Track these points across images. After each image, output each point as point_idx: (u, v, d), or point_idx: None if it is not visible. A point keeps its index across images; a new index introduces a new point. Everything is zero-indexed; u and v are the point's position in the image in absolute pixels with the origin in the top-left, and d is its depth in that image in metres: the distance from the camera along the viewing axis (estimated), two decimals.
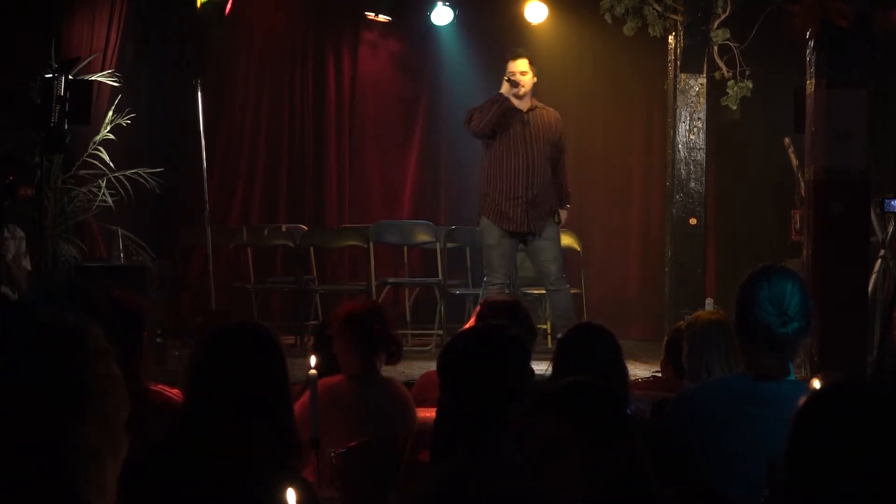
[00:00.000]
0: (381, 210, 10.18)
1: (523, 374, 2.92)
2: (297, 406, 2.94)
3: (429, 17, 9.61)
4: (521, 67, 7.58)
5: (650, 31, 8.84)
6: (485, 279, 7.66)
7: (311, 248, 9.58)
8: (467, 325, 4.33)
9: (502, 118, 7.54)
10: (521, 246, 7.72)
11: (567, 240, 9.56)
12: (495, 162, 7.61)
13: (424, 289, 9.55)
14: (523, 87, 7.55)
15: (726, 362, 3.97)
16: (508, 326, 2.99)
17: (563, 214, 7.79)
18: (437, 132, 10.31)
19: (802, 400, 1.92)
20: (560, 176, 7.78)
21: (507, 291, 7.53)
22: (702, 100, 9.02)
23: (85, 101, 7.45)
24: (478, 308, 4.35)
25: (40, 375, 1.55)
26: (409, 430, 4.21)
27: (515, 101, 7.57)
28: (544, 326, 9.35)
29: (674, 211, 9.13)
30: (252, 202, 10.18)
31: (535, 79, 7.65)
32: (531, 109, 7.64)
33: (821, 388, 1.91)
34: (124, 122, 8.51)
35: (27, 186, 7.02)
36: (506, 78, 7.58)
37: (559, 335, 3.87)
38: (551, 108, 7.83)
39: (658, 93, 9.77)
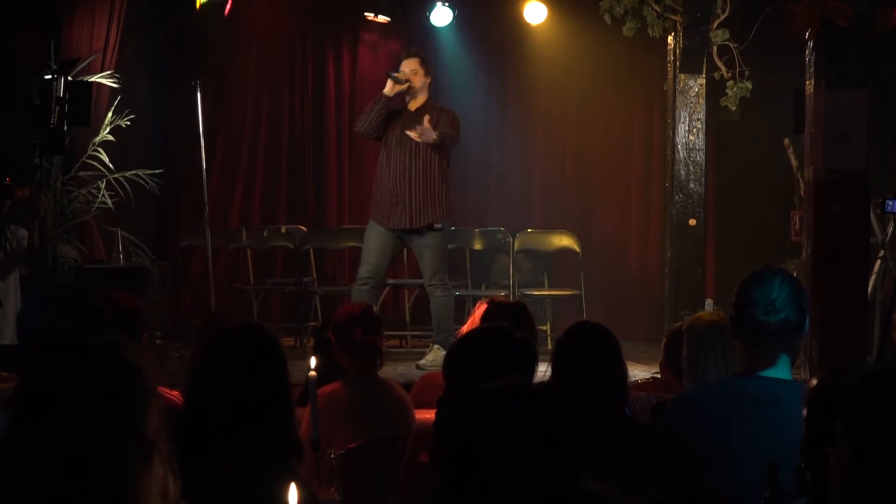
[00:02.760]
0: None
1: (530, 375, 2.92)
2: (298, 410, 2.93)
3: (428, 17, 9.61)
4: (410, 66, 7.69)
5: (649, 31, 8.85)
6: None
7: (311, 250, 9.58)
8: (466, 326, 4.33)
9: (387, 119, 7.65)
10: (404, 245, 7.89)
11: (566, 241, 9.58)
12: (380, 162, 7.78)
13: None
14: (409, 85, 7.64)
15: (723, 364, 3.97)
16: (513, 329, 2.99)
17: (426, 120, 7.57)
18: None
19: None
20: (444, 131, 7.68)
21: (369, 287, 7.72)
22: (701, 100, 9.02)
23: (84, 102, 7.45)
24: (482, 308, 4.34)
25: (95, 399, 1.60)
26: (407, 432, 4.22)
27: (406, 101, 7.69)
28: (544, 327, 9.37)
29: (673, 212, 9.13)
30: (252, 203, 10.18)
31: (428, 78, 7.76)
32: (420, 109, 7.69)
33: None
34: (124, 123, 8.51)
35: (24, 187, 7.02)
36: (390, 75, 7.67)
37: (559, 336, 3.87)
38: (446, 107, 7.87)
39: (657, 93, 9.77)
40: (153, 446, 1.66)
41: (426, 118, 7.57)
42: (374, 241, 7.76)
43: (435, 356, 7.65)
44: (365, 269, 7.75)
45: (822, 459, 2.36)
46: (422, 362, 7.78)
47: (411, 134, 7.54)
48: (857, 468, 1.94)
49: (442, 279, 7.82)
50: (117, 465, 1.61)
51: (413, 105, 7.72)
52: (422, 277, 7.97)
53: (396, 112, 7.75)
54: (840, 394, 2.03)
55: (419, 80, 7.69)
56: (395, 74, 7.66)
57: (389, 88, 7.63)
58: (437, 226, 7.73)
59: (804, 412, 2.46)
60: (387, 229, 7.72)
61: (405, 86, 7.66)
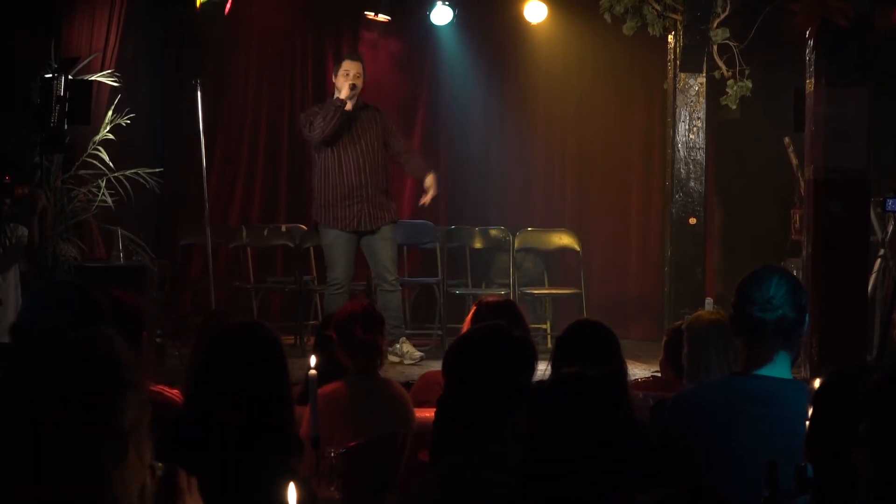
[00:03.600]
0: None
1: (530, 374, 2.92)
2: (297, 409, 2.94)
3: (428, 16, 9.61)
4: (357, 70, 7.78)
5: (650, 30, 8.85)
6: (327, 279, 7.88)
7: (311, 248, 9.58)
8: (464, 328, 4.33)
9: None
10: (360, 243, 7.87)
11: (566, 239, 9.58)
12: (328, 165, 7.77)
13: (424, 289, 9.55)
14: (357, 89, 7.75)
15: (725, 362, 3.97)
16: (512, 328, 2.99)
17: (431, 178, 7.90)
18: (436, 132, 10.31)
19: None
20: (409, 155, 8.06)
21: (348, 290, 7.78)
22: (701, 99, 9.02)
23: (85, 101, 7.45)
24: (473, 309, 4.34)
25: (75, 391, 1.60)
26: (407, 431, 4.22)
27: (348, 104, 7.75)
28: (544, 326, 9.38)
29: (673, 210, 9.13)
30: (252, 202, 10.18)
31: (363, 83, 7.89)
32: (358, 108, 7.79)
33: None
34: (124, 122, 8.51)
35: (23, 185, 7.02)
36: (350, 84, 7.70)
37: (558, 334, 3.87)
38: (372, 105, 8.02)
39: (658, 92, 9.77)
40: (129, 440, 1.65)
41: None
42: (340, 245, 7.77)
43: (410, 348, 7.92)
44: (338, 274, 7.75)
45: (826, 458, 2.37)
46: (406, 361, 7.86)
47: (426, 200, 7.90)
48: (886, 468, 1.94)
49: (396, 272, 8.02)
50: (90, 455, 1.60)
51: (349, 104, 7.76)
52: (375, 273, 7.96)
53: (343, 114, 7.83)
54: (866, 394, 2.02)
55: (361, 84, 7.79)
56: (353, 83, 7.71)
57: (346, 95, 7.70)
58: (395, 219, 7.93)
59: (809, 411, 2.45)
60: (341, 230, 7.74)
61: (355, 92, 7.75)
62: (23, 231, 7.14)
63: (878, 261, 8.20)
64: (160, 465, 1.78)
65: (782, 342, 3.05)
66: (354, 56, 8.05)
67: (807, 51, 7.32)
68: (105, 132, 8.45)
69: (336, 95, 7.78)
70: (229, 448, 2.52)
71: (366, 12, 9.66)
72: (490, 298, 4.46)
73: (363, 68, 7.87)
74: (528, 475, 2.25)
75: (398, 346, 7.82)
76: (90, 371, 1.64)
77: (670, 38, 9.06)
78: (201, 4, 8.77)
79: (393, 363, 7.60)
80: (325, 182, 7.78)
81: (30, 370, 1.64)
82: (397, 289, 7.93)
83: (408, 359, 7.85)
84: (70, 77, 7.44)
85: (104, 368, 1.65)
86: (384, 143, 7.87)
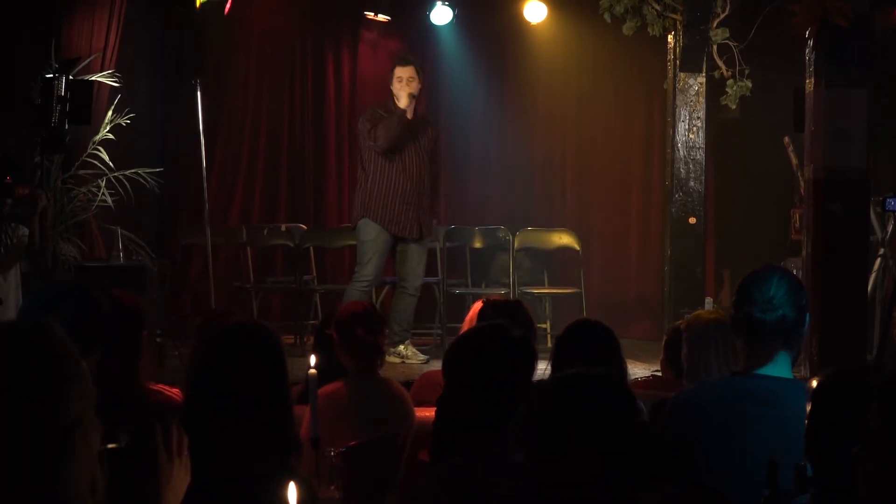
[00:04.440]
0: None
1: (530, 374, 2.93)
2: (298, 408, 2.94)
3: (428, 16, 9.61)
4: (410, 73, 7.80)
5: (649, 30, 8.85)
6: (355, 273, 7.92)
7: (311, 248, 9.58)
8: (465, 325, 4.33)
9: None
10: (397, 246, 7.95)
11: (567, 239, 9.58)
12: (390, 169, 7.80)
13: (424, 288, 9.52)
14: (416, 95, 7.79)
15: (724, 362, 3.97)
16: (512, 327, 2.99)
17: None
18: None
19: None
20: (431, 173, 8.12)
21: (370, 288, 7.93)
22: (701, 99, 9.02)
23: (85, 101, 7.46)
24: (476, 306, 4.34)
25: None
26: (407, 430, 4.22)
27: (408, 112, 7.79)
28: (544, 326, 9.37)
29: (673, 210, 9.13)
30: (252, 202, 10.17)
31: (421, 84, 7.89)
32: (419, 118, 7.91)
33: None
34: (124, 122, 8.51)
35: (23, 186, 7.02)
36: (409, 93, 7.72)
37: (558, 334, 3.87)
38: (427, 117, 8.20)
39: (657, 92, 9.77)
40: (73, 431, 1.62)
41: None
42: (380, 244, 7.84)
43: (414, 351, 8.02)
44: (370, 271, 7.82)
45: (826, 458, 2.37)
46: (409, 361, 7.90)
47: None
48: None
49: None
50: (36, 453, 1.58)
51: (410, 113, 7.78)
52: (404, 276, 8.03)
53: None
54: (882, 391, 2.02)
55: (417, 87, 7.81)
56: (413, 93, 7.75)
57: (406, 104, 7.73)
58: (432, 231, 8.12)
59: (808, 409, 2.46)
60: (390, 233, 7.81)
61: (415, 98, 7.79)
62: (23, 231, 7.14)
63: (878, 261, 8.20)
64: (113, 445, 1.75)
65: (782, 342, 3.05)
66: (404, 60, 7.95)
67: (807, 51, 7.31)
68: (105, 132, 8.46)
69: (395, 103, 7.76)
70: (229, 448, 2.52)
71: (366, 12, 9.66)
72: (497, 298, 4.46)
73: (417, 70, 7.84)
74: (541, 476, 2.25)
75: (401, 348, 7.84)
76: (29, 367, 1.61)
77: (670, 38, 9.07)
78: (201, 4, 8.77)
79: (393, 363, 7.61)
80: (387, 185, 7.80)
81: None
82: (417, 296, 8.04)
83: (412, 360, 7.89)
84: (71, 77, 7.44)
85: (43, 363, 1.62)
86: (432, 155, 8.02)
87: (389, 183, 7.80)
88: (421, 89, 7.90)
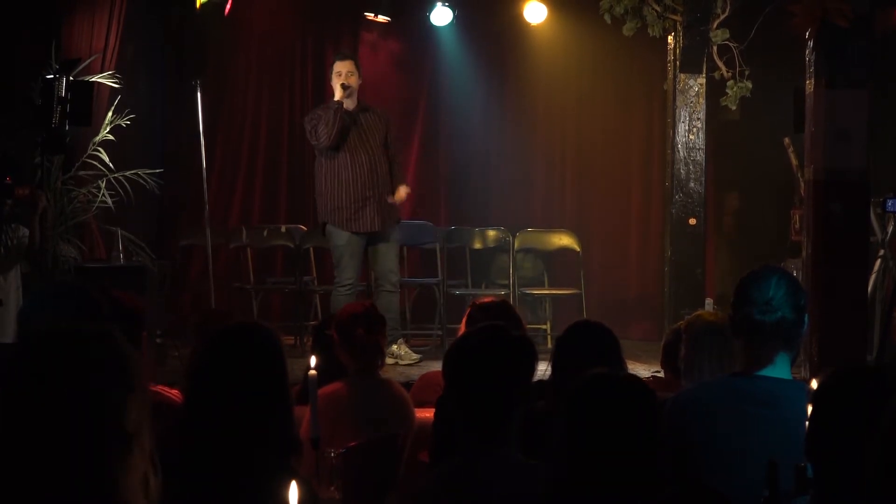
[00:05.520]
0: None
1: (530, 374, 2.93)
2: (297, 409, 2.94)
3: (428, 17, 9.61)
4: (348, 68, 7.79)
5: (650, 31, 8.85)
6: (336, 279, 7.88)
7: (311, 249, 9.58)
8: (461, 329, 4.33)
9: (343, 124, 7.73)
10: (368, 247, 7.90)
11: (566, 240, 9.59)
12: (337, 167, 7.76)
13: (424, 289, 9.55)
14: (351, 88, 7.77)
15: (718, 367, 3.95)
16: (511, 328, 2.99)
17: (404, 190, 7.99)
18: (436, 132, 10.31)
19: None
20: (394, 161, 8.02)
21: (356, 290, 7.83)
22: (701, 100, 9.02)
23: (86, 102, 7.46)
24: (468, 310, 4.34)
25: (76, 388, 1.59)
26: (407, 431, 4.22)
27: (346, 103, 7.75)
28: (544, 326, 9.38)
29: (673, 211, 9.13)
30: (252, 202, 10.17)
31: (360, 80, 7.88)
32: (362, 110, 7.85)
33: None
34: (124, 122, 8.52)
35: (23, 187, 7.03)
36: (342, 84, 7.73)
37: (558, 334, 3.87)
38: (377, 107, 8.10)
39: (657, 93, 9.77)
40: (133, 438, 1.65)
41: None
42: (352, 246, 7.80)
43: (407, 350, 8.01)
44: (350, 275, 7.79)
45: (826, 458, 2.37)
46: (402, 363, 7.88)
47: (396, 199, 7.86)
48: None
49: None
50: (95, 453, 1.60)
51: (348, 104, 7.78)
52: (378, 275, 7.98)
53: (345, 115, 7.81)
54: None
55: (356, 81, 7.81)
56: (344, 83, 7.74)
57: (341, 96, 7.73)
58: (398, 220, 8.02)
59: (808, 410, 2.46)
60: (352, 233, 7.76)
61: (349, 91, 7.77)
62: (24, 232, 7.14)
63: (878, 261, 8.21)
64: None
65: (782, 343, 3.05)
66: (342, 55, 8.03)
67: (807, 51, 7.32)
68: (105, 133, 8.46)
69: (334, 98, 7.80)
70: (229, 448, 2.52)
71: (366, 13, 9.66)
72: (483, 300, 4.45)
73: (356, 65, 7.87)
74: (570, 476, 2.28)
75: (394, 347, 7.84)
76: (94, 368, 1.64)
77: (670, 38, 9.07)
78: (201, 5, 8.77)
79: (388, 364, 7.61)
80: (336, 184, 7.78)
81: (34, 370, 1.64)
82: (398, 291, 7.99)
83: (405, 360, 7.88)
84: (71, 78, 7.44)
85: (111, 370, 1.65)
86: (386, 144, 7.93)
87: (339, 182, 7.76)
88: (361, 84, 7.88)
